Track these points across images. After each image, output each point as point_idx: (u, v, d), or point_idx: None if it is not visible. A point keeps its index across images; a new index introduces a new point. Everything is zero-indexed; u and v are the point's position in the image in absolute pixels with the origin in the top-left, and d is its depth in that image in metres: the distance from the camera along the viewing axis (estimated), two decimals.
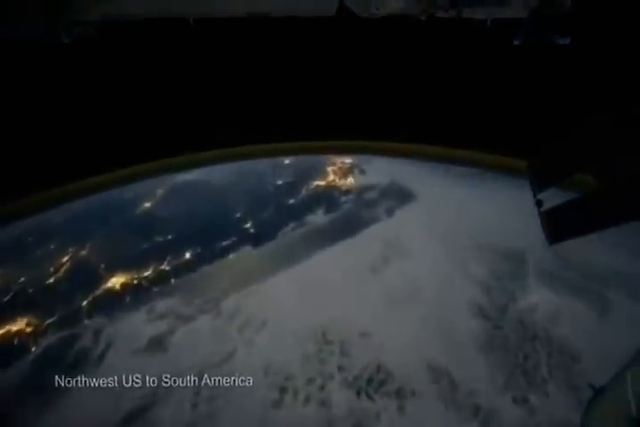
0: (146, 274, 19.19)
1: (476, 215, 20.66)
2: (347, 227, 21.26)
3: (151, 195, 27.07)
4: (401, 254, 18.97)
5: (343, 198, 22.81)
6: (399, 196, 22.87)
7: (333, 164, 30.80)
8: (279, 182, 26.67)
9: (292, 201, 22.32)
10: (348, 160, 31.13)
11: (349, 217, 21.90)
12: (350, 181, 26.48)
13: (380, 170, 29.29)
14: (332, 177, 27.43)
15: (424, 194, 23.17)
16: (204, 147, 21.10)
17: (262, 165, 29.67)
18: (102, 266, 19.84)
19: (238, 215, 22.87)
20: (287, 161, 30.92)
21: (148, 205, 25.59)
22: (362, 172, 28.68)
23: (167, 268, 19.31)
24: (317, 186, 24.98)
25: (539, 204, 3.31)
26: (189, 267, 19.17)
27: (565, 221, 3.15)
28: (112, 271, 19.31)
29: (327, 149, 25.69)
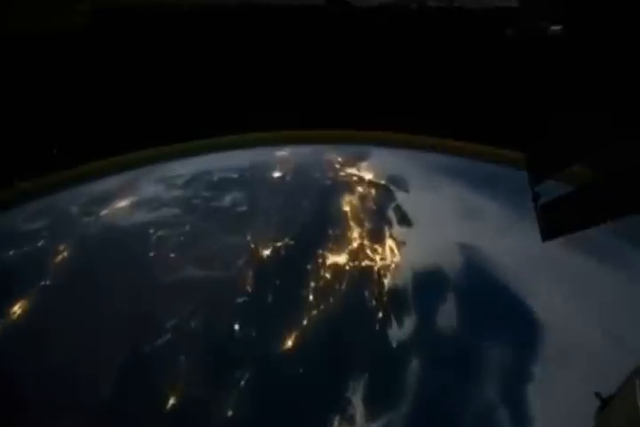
0: None
1: None
2: None
3: (39, 266, 12.82)
4: None
5: (394, 331, 9.66)
6: (504, 317, 10.03)
7: (350, 190, 16.92)
8: (263, 254, 12.89)
9: (289, 344, 9.10)
10: (368, 176, 17.38)
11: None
12: (390, 247, 13.04)
13: (427, 206, 15.92)
14: (356, 238, 13.81)
15: (556, 314, 10.33)
16: (197, 136, 16.77)
17: (240, 192, 15.50)
18: None
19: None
20: (277, 173, 17.33)
21: (16, 310, 11.49)
22: (404, 218, 15.13)
23: None
24: (333, 269, 11.60)
25: (535, 197, 2.53)
26: None
27: (561, 215, 2.50)
28: None
29: (325, 139, 18.89)
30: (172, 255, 12.02)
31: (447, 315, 9.31)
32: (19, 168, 13.65)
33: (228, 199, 16.14)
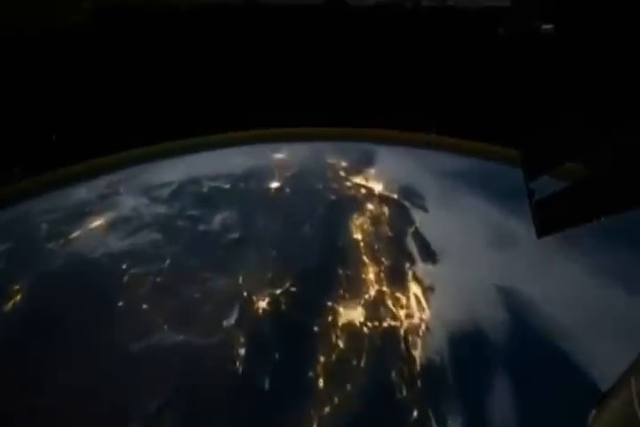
0: None
1: None
2: None
3: None
4: None
5: None
6: None
7: (359, 208, 13.90)
8: (259, 307, 9.83)
9: None
10: (378, 187, 14.62)
11: None
12: (416, 295, 10.02)
13: (451, 230, 13.00)
14: (373, 282, 10.79)
15: None
16: (197, 135, 15.69)
17: (232, 210, 12.62)
18: None
19: None
20: (275, 184, 15.86)
21: None
22: (427, 250, 12.13)
23: None
24: (348, 333, 8.62)
25: (530, 194, 2.49)
26: None
27: (556, 211, 2.45)
28: None
29: (324, 137, 16.85)
30: (145, 307, 9.07)
31: (502, 407, 6.45)
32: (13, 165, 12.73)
33: (217, 220, 13.13)
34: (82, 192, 15.31)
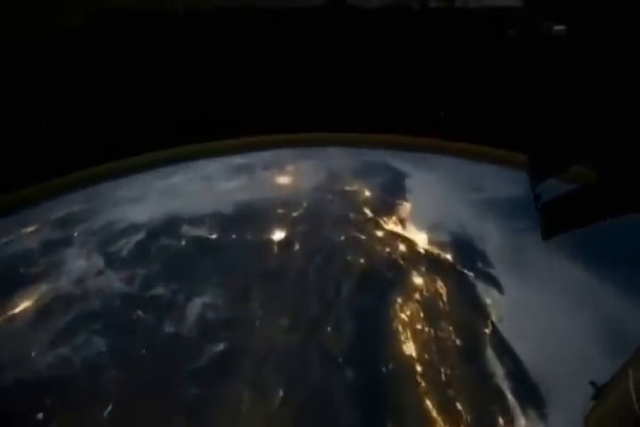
0: None
1: None
2: None
3: None
4: None
5: None
6: None
7: (402, 286, 10.10)
8: None
9: None
10: (421, 239, 12.82)
11: None
12: None
13: (547, 329, 8.67)
14: None
15: None
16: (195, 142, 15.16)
17: (215, 290, 9.80)
18: None
19: None
20: (278, 234, 12.29)
21: None
22: (520, 378, 7.73)
23: None
24: None
25: (536, 197, 2.67)
26: None
27: (562, 214, 2.64)
28: None
29: (332, 142, 15.60)
30: None
31: None
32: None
33: (194, 310, 9.16)
34: (26, 233, 11.99)
